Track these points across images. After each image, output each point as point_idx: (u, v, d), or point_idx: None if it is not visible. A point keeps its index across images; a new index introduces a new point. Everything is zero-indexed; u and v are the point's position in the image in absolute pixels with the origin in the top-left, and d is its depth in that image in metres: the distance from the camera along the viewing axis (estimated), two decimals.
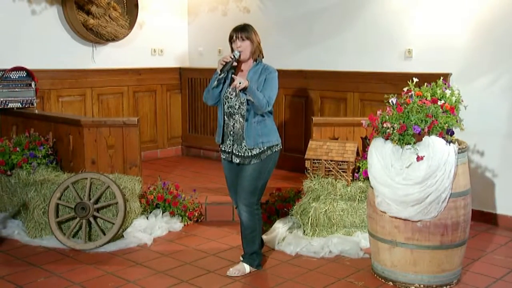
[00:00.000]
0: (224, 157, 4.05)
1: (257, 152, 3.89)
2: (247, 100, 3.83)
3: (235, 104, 3.90)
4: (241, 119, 3.90)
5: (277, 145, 3.98)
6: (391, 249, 3.81)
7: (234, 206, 4.37)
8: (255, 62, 3.96)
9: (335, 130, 5.11)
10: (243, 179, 3.95)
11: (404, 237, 3.74)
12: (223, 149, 4.02)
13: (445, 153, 3.58)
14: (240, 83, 3.74)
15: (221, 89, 3.94)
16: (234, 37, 3.90)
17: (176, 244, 4.66)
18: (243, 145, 3.91)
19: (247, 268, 4.06)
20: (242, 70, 3.97)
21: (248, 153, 3.90)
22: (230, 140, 3.96)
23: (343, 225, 4.65)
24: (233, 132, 3.94)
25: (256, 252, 4.10)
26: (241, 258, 4.12)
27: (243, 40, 3.88)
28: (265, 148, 3.90)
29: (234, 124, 3.93)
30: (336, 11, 6.17)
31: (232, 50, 3.94)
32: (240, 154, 3.92)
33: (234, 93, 3.90)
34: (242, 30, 3.90)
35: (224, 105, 3.95)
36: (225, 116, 3.96)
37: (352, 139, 5.03)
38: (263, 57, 4.01)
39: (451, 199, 3.68)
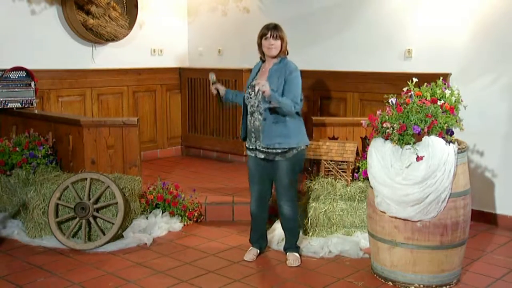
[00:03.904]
0: (251, 154, 4.15)
1: (279, 151, 4.00)
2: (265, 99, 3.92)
3: (255, 103, 4.03)
4: (259, 116, 4.01)
5: (297, 147, 4.04)
6: (391, 249, 3.81)
7: (249, 205, 4.34)
8: (278, 59, 4.04)
9: (335, 130, 5.12)
10: (280, 178, 4.07)
11: (404, 237, 3.74)
12: (247, 146, 4.15)
13: (445, 153, 3.58)
14: (260, 90, 3.88)
15: (235, 95, 4.23)
16: (269, 35, 3.97)
17: (176, 244, 4.65)
18: (261, 141, 4.03)
19: (298, 256, 4.21)
20: (264, 68, 4.08)
21: (270, 148, 4.01)
22: (252, 136, 4.09)
23: (342, 225, 4.65)
24: (254, 129, 4.06)
25: (298, 239, 4.28)
26: (287, 252, 4.25)
27: (275, 38, 3.97)
28: (286, 148, 3.99)
29: (254, 121, 4.06)
30: (336, 11, 6.17)
31: (260, 46, 4.04)
32: (263, 150, 4.04)
33: (253, 92, 4.02)
34: (275, 29, 3.98)
35: (247, 105, 4.10)
36: (248, 115, 4.10)
37: (352, 139, 5.04)
38: (287, 54, 4.09)
39: (451, 199, 3.67)
